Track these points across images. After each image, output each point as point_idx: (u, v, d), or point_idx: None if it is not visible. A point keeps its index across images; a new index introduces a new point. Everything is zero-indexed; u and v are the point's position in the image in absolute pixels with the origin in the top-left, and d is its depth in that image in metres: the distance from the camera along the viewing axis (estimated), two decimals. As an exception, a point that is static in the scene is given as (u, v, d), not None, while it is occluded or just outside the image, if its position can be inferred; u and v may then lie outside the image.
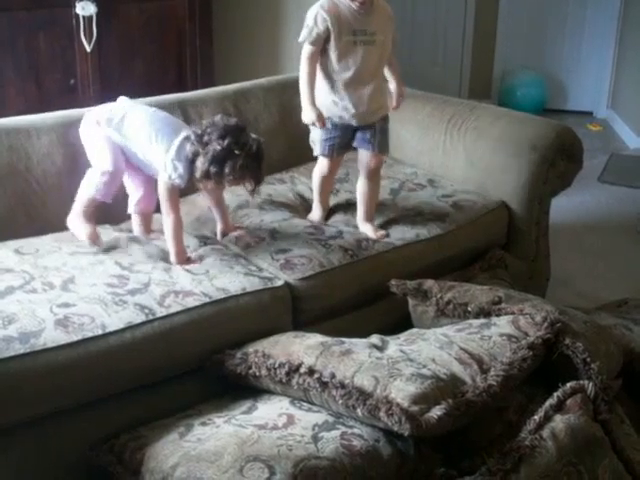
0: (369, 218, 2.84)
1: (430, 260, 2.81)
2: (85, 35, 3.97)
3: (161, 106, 2.85)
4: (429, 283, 2.51)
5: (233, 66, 4.75)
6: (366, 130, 2.76)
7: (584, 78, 6.56)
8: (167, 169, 2.49)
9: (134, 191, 2.72)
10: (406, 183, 3.19)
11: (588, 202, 4.65)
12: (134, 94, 2.91)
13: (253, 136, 2.47)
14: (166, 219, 2.54)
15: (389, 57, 2.79)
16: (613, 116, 6.35)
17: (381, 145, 2.81)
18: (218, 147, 2.39)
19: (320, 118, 2.67)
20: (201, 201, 2.88)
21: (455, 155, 3.27)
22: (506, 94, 6.41)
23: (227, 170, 2.40)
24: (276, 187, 3.14)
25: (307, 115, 2.69)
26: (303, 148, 2.89)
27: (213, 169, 2.40)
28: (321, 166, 2.86)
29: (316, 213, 2.93)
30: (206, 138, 2.42)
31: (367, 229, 2.81)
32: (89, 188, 2.58)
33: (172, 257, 2.52)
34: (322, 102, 2.70)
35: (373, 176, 2.85)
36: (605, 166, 5.29)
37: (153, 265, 2.49)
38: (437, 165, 3.32)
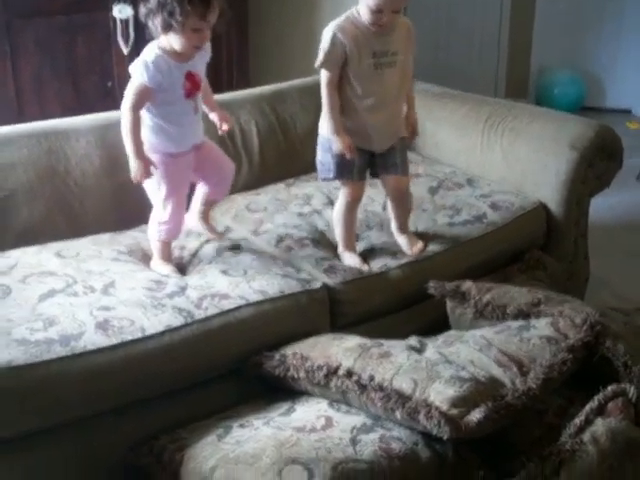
0: (405, 230, 2.76)
1: (468, 263, 2.80)
2: (122, 38, 4.00)
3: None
4: (467, 285, 2.50)
5: (268, 67, 4.76)
6: (387, 154, 2.64)
7: (622, 75, 6.48)
8: (138, 71, 2.35)
9: (203, 183, 2.67)
10: (445, 182, 3.18)
11: (626, 202, 4.59)
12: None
13: None
14: (124, 117, 2.37)
15: (407, 83, 2.64)
16: (652, 114, 6.27)
17: (404, 167, 2.70)
18: None
19: (350, 147, 2.50)
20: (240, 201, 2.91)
21: (492, 155, 3.25)
22: (543, 92, 6.35)
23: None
24: (313, 185, 3.16)
25: (337, 145, 2.52)
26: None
27: (164, 10, 2.24)
28: (346, 194, 2.65)
29: (351, 259, 2.66)
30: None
31: (403, 242, 2.74)
32: (155, 234, 2.55)
33: (131, 162, 2.39)
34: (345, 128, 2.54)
35: (403, 196, 2.74)
36: (644, 165, 5.23)
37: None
38: (475, 165, 3.30)
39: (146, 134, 2.43)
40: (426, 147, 3.47)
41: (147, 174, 2.39)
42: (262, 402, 2.22)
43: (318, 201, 3.03)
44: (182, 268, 2.56)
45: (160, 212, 2.52)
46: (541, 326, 2.24)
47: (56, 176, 2.78)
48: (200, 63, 2.47)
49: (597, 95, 6.52)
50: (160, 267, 2.53)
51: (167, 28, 2.28)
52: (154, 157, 2.43)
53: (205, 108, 2.61)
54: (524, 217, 3.00)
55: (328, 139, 2.57)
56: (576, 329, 2.19)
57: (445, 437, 1.84)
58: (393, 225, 2.78)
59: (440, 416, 1.84)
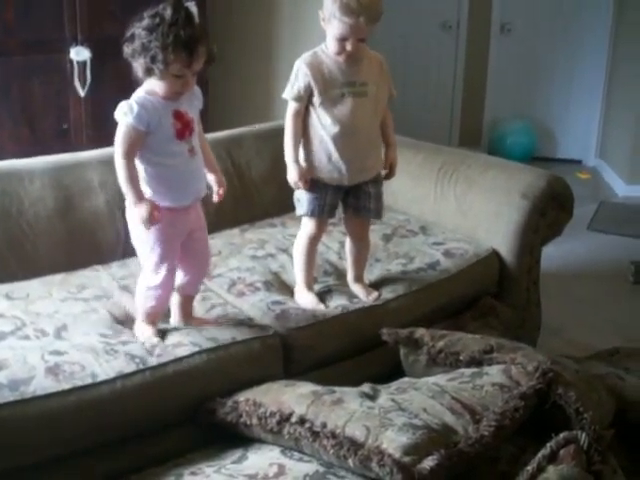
0: (360, 279, 2.78)
1: (422, 309, 2.81)
2: (79, 80, 4.00)
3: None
4: (421, 332, 2.50)
5: (226, 113, 4.78)
6: (360, 195, 2.66)
7: (573, 127, 6.63)
8: (122, 112, 2.23)
9: (182, 273, 2.47)
10: (398, 229, 3.20)
11: (578, 250, 4.67)
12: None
13: (172, 2, 2.19)
14: (118, 165, 2.24)
15: (384, 113, 2.67)
16: (602, 164, 6.40)
17: (378, 212, 2.72)
18: (141, 31, 2.17)
19: (303, 177, 2.56)
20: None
21: (446, 203, 3.29)
22: (496, 142, 6.47)
23: (157, 44, 2.13)
24: (267, 231, 3.18)
25: (290, 175, 2.57)
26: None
27: (146, 55, 2.16)
28: (308, 229, 2.68)
29: (308, 298, 2.68)
30: (134, 41, 2.20)
31: (359, 290, 2.75)
32: (143, 299, 2.41)
33: (134, 210, 2.24)
34: (313, 160, 2.58)
35: (364, 237, 2.77)
36: (595, 214, 5.33)
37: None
38: (428, 213, 3.34)
39: (141, 187, 2.28)
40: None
41: (156, 217, 2.23)
42: (214, 449, 2.19)
43: (272, 245, 3.03)
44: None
45: (151, 276, 2.36)
46: (494, 373, 2.25)
47: (9, 218, 2.76)
48: (189, 105, 2.33)
49: (548, 145, 6.66)
50: (141, 331, 2.39)
51: (149, 72, 2.20)
52: None
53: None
54: (477, 265, 3.03)
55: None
56: (528, 376, 2.20)
57: (398, 485, 1.83)
58: (349, 276, 2.79)
59: (393, 464, 1.83)
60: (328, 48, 2.51)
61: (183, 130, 2.29)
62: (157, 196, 2.29)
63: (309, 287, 2.71)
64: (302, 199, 2.64)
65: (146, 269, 2.38)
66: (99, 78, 4.06)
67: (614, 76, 6.25)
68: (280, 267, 2.87)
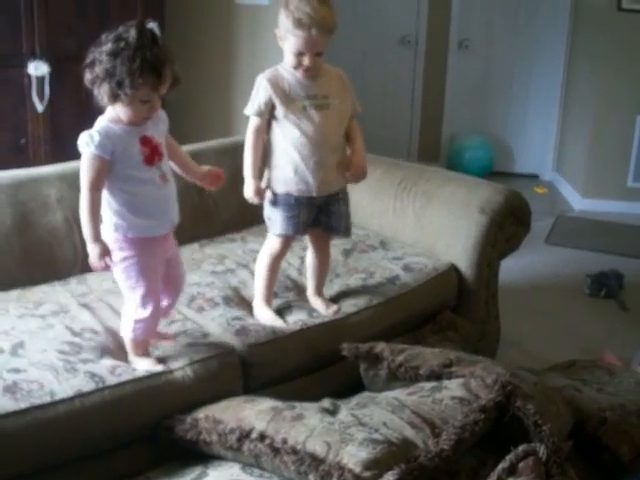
0: (320, 292, 2.80)
1: (382, 324, 2.82)
2: (37, 95, 3.96)
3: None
4: (380, 346, 2.51)
5: (186, 128, 4.77)
6: (331, 214, 2.69)
7: (530, 142, 6.71)
8: (84, 142, 2.16)
9: (162, 299, 2.43)
10: (358, 244, 3.22)
11: (536, 264, 4.72)
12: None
13: (137, 25, 2.13)
14: (83, 197, 2.17)
15: (352, 126, 2.69)
16: (558, 179, 6.49)
17: (347, 230, 2.77)
18: (104, 57, 2.09)
19: (259, 192, 2.58)
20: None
21: (405, 218, 3.31)
22: (454, 157, 6.52)
23: (124, 69, 2.06)
24: (227, 246, 3.18)
25: (247, 189, 2.59)
26: (255, 209, 2.81)
27: (111, 80, 2.08)
28: (273, 247, 2.70)
29: (267, 314, 2.69)
30: (95, 65, 2.12)
31: (318, 304, 2.77)
32: (130, 333, 2.34)
33: (89, 247, 2.19)
34: (279, 175, 2.60)
35: (326, 250, 2.81)
36: (552, 228, 5.39)
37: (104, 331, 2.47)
38: (387, 228, 3.36)
39: (115, 220, 2.22)
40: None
41: (105, 260, 2.18)
42: (174, 466, 2.17)
43: (232, 261, 3.03)
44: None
45: (138, 310, 2.30)
46: (453, 387, 2.27)
47: (-36, 235, 2.72)
48: (154, 129, 2.27)
49: (506, 160, 6.73)
50: (140, 363, 2.34)
51: (114, 98, 2.12)
52: (128, 249, 2.23)
53: (191, 178, 2.47)
54: (436, 279, 3.05)
55: (273, 195, 2.62)
56: (487, 389, 2.21)
57: (358, 500, 1.83)
58: (309, 289, 2.81)
59: (353, 479, 1.83)
60: (287, 64, 2.54)
61: (152, 155, 2.23)
62: (134, 228, 2.23)
63: (268, 303, 2.72)
64: (275, 218, 2.64)
65: (132, 303, 2.32)
66: (58, 93, 4.03)
67: (570, 92, 6.34)
68: (240, 282, 2.86)
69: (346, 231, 2.77)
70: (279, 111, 2.54)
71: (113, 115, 2.18)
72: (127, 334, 2.35)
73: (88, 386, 2.17)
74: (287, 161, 2.58)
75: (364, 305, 2.79)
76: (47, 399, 2.09)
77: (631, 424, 2.59)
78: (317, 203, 2.66)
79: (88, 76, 2.14)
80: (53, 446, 2.09)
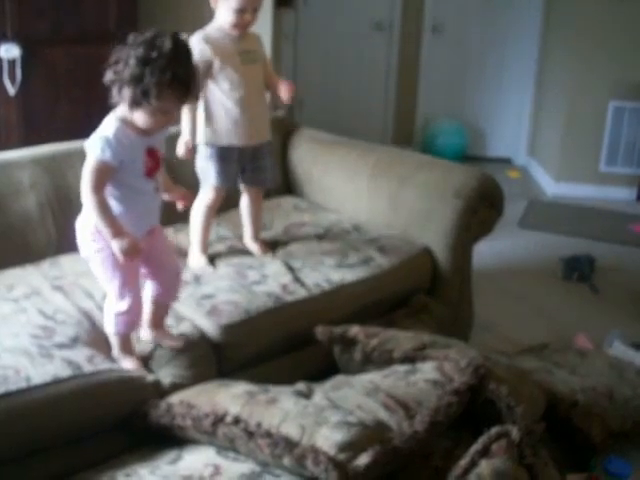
0: (257, 236, 3.02)
1: (355, 305, 2.82)
2: (9, 78, 3.92)
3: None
4: (355, 329, 2.52)
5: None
6: (258, 167, 2.92)
7: (503, 126, 6.73)
8: (99, 148, 2.10)
9: (155, 286, 2.40)
10: (332, 228, 3.21)
11: (509, 247, 4.74)
12: (59, 139, 2.88)
13: (172, 35, 2.09)
14: (89, 200, 2.13)
15: (270, 75, 2.91)
16: (531, 163, 6.52)
17: (273, 180, 3.04)
18: (132, 62, 2.03)
19: (189, 149, 2.76)
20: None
21: (379, 201, 3.30)
22: (428, 141, 6.53)
23: (153, 79, 2.02)
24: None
25: (179, 146, 2.78)
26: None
27: (137, 86, 2.04)
28: (207, 198, 2.89)
29: (200, 259, 2.88)
30: (120, 67, 2.07)
31: (254, 248, 2.96)
32: (112, 327, 2.31)
33: (113, 244, 2.13)
34: (221, 129, 2.80)
35: (259, 198, 3.02)
36: (525, 212, 5.42)
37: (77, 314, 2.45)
38: (362, 211, 3.35)
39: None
40: (313, 193, 3.52)
41: (137, 248, 2.14)
42: (149, 450, 2.18)
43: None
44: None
45: (117, 303, 2.27)
46: (427, 370, 2.28)
47: None
48: (160, 140, 2.25)
49: (479, 144, 6.75)
50: (124, 363, 2.33)
51: (136, 105, 2.07)
52: (102, 241, 2.18)
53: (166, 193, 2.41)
54: (410, 261, 3.05)
55: (208, 148, 2.82)
56: (461, 372, 2.23)
57: (333, 483, 1.84)
58: (246, 235, 3.00)
59: (327, 461, 1.85)
60: (224, 24, 2.73)
61: (154, 168, 2.22)
62: None
63: (203, 250, 2.91)
64: (209, 171, 2.85)
65: (110, 295, 2.29)
66: (30, 76, 3.98)
67: (544, 76, 6.37)
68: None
69: (272, 181, 3.03)
70: (216, 68, 2.73)
71: (126, 116, 2.12)
72: (110, 329, 2.33)
73: (65, 372, 2.17)
74: (223, 114, 2.79)
75: (337, 285, 2.79)
76: (23, 384, 2.08)
77: (602, 406, 2.62)
78: (247, 155, 2.88)
79: (110, 75, 2.08)
80: (28, 432, 2.08)
